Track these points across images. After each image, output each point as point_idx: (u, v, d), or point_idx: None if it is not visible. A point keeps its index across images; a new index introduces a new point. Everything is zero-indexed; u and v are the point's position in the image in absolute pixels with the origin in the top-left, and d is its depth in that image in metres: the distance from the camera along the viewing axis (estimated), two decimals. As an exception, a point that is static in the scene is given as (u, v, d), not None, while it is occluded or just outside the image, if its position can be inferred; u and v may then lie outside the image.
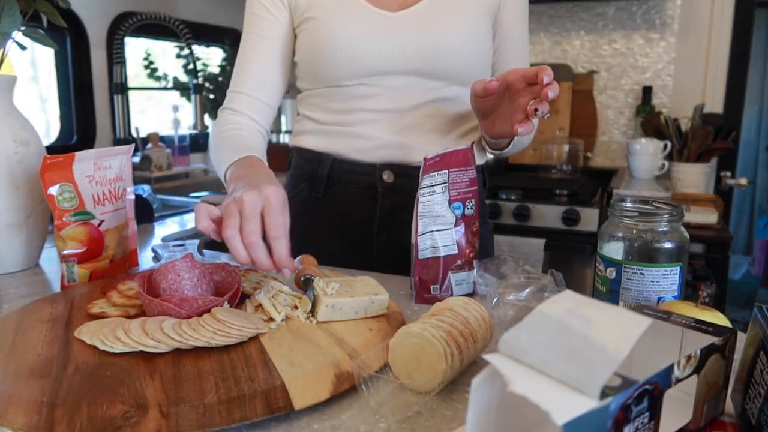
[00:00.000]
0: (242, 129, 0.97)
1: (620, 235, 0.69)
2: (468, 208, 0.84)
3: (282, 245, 0.68)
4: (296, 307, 0.72)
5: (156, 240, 1.35)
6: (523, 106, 0.82)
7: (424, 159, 0.80)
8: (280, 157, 2.56)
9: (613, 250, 0.69)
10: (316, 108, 1.03)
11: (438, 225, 0.82)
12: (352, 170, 1.02)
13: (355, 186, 1.02)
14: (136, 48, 2.26)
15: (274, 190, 0.70)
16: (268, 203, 0.68)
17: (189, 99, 2.37)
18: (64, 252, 0.86)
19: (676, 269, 0.67)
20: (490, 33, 1.01)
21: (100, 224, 0.89)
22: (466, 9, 0.97)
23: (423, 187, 0.80)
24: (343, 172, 1.02)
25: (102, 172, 0.90)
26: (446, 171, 0.81)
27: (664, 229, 0.67)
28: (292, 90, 1.07)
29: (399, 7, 0.97)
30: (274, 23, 0.99)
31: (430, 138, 1.00)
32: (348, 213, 1.03)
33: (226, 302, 0.69)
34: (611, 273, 0.70)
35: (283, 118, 2.85)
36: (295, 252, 0.91)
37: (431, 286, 0.82)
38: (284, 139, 2.65)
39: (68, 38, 1.93)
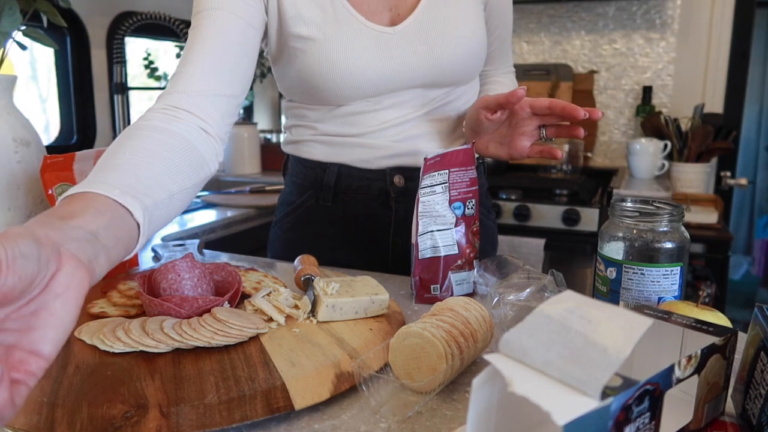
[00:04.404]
0: (148, 139, 0.68)
1: (620, 235, 0.69)
2: (468, 208, 0.84)
3: None
4: (297, 307, 0.72)
5: (156, 240, 1.36)
6: (528, 134, 0.84)
7: (425, 159, 0.79)
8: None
9: (614, 250, 0.69)
10: (310, 120, 0.99)
11: (438, 225, 0.82)
12: (361, 177, 0.98)
13: (365, 193, 0.99)
14: (136, 48, 2.26)
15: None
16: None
17: (189, 99, 2.37)
18: (64, 252, 0.86)
19: (677, 269, 0.67)
20: (484, 22, 0.99)
21: (100, 224, 0.89)
22: (461, 7, 0.94)
23: (423, 187, 0.80)
24: (351, 179, 0.98)
25: (102, 172, 0.90)
26: (446, 171, 0.81)
27: (665, 229, 0.67)
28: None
29: (392, 18, 0.92)
30: (238, 3, 0.82)
31: (438, 140, 0.99)
32: (361, 220, 1.00)
33: (227, 302, 0.69)
34: (611, 273, 0.70)
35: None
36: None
37: (431, 286, 0.82)
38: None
39: (68, 38, 1.93)
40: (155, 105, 0.75)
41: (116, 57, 2.02)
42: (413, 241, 0.82)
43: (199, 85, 0.76)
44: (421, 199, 0.81)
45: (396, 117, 0.95)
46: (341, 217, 1.01)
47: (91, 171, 0.61)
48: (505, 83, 1.08)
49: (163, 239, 1.37)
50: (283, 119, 1.11)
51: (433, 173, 0.80)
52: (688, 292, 2.01)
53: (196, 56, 0.78)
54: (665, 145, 2.31)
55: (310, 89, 0.93)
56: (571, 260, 2.05)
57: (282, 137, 1.22)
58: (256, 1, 0.85)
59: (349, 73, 0.89)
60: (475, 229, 0.85)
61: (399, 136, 0.96)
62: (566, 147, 2.39)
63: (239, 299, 0.74)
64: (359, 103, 0.94)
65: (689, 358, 0.45)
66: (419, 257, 0.82)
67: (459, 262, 0.83)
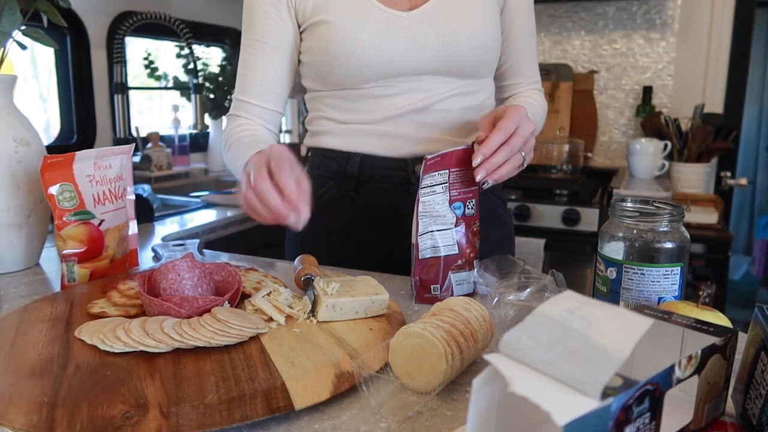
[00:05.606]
0: (254, 130, 0.99)
1: (621, 235, 0.69)
2: (468, 208, 0.84)
3: (289, 181, 0.68)
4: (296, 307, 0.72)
5: (156, 240, 1.36)
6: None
7: (425, 159, 0.79)
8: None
9: (614, 250, 0.69)
10: (331, 108, 1.02)
11: (438, 225, 0.82)
12: (383, 166, 1.00)
13: (388, 182, 1.00)
14: (136, 48, 2.26)
15: (276, 148, 0.72)
16: (271, 157, 0.71)
17: (189, 99, 2.37)
18: (65, 252, 0.86)
19: (677, 269, 0.67)
20: (499, 23, 1.00)
21: (100, 224, 0.89)
22: (475, 2, 0.96)
23: (423, 187, 0.80)
24: (374, 168, 1.00)
25: (102, 172, 0.90)
26: (446, 171, 0.81)
27: (665, 229, 0.67)
28: (292, 90, 1.06)
29: (410, 6, 0.95)
30: (276, 29, 0.98)
31: (457, 129, 0.99)
32: (382, 209, 1.02)
33: (227, 302, 0.69)
34: (612, 273, 0.70)
35: (283, 118, 2.84)
36: (329, 251, 0.91)
37: (432, 286, 0.82)
38: (284, 139, 2.64)
39: (68, 38, 1.93)
40: (236, 122, 1.00)
41: (116, 57, 2.02)
42: (413, 241, 0.82)
43: (259, 113, 1.01)
44: (421, 199, 0.80)
45: (410, 103, 0.97)
46: (364, 206, 1.02)
47: (247, 147, 0.90)
48: (528, 100, 1.05)
49: (163, 239, 1.37)
50: (295, 127, 1.13)
51: (433, 173, 0.80)
52: (688, 292, 2.01)
53: (254, 90, 1.00)
54: (665, 145, 2.31)
55: (326, 70, 0.97)
56: (571, 260, 2.05)
57: (291, 136, 1.24)
58: (290, 21, 0.98)
59: (361, 50, 0.92)
60: (475, 229, 0.85)
61: (418, 123, 0.98)
62: (566, 147, 2.39)
63: (239, 299, 0.74)
64: (374, 87, 0.96)
65: (689, 358, 0.45)
66: (419, 257, 0.82)
67: (459, 262, 0.83)
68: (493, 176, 0.80)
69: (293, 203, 0.68)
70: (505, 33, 1.03)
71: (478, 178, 0.79)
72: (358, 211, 1.02)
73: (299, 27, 0.99)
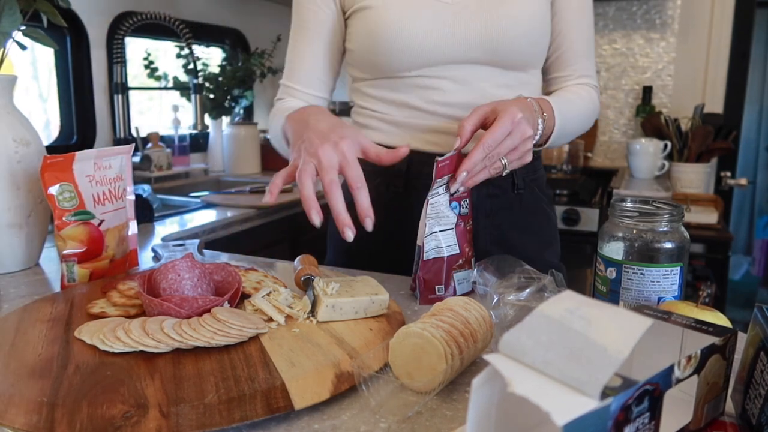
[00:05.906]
0: (299, 105, 1.00)
1: (620, 235, 0.69)
2: (463, 207, 0.84)
3: (364, 195, 0.71)
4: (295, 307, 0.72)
5: (156, 240, 1.36)
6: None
7: (436, 161, 0.78)
8: (281, 157, 2.56)
9: (614, 250, 0.69)
10: (375, 100, 1.01)
11: (441, 225, 0.82)
12: (432, 163, 0.96)
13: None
14: (136, 48, 2.26)
15: (348, 144, 0.73)
16: (345, 158, 0.72)
17: (189, 99, 2.37)
18: (64, 252, 0.86)
19: (677, 269, 0.67)
20: (549, 13, 0.98)
21: (100, 224, 0.89)
22: None
23: (434, 189, 0.80)
24: (422, 164, 0.96)
25: (102, 172, 0.90)
26: (450, 173, 0.81)
27: (665, 229, 0.67)
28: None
29: None
30: (322, 16, 1.00)
31: None
32: None
33: (227, 302, 0.69)
34: (611, 273, 0.70)
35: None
36: (377, 247, 0.91)
37: (436, 287, 0.82)
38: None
39: (68, 38, 1.93)
40: (282, 103, 1.03)
41: (116, 57, 2.02)
42: (419, 243, 0.82)
43: (305, 98, 1.03)
44: (430, 201, 0.80)
45: (458, 97, 0.95)
46: (414, 203, 0.97)
47: (286, 118, 0.91)
48: (567, 94, 1.02)
49: (163, 239, 1.37)
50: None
51: (444, 177, 0.80)
52: (688, 292, 2.01)
53: (299, 76, 1.03)
54: (665, 145, 2.31)
55: (370, 55, 0.97)
56: (571, 260, 2.05)
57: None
58: (335, 7, 0.99)
59: (404, 33, 0.92)
60: (469, 227, 0.85)
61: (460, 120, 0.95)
62: (566, 147, 2.39)
63: (239, 299, 0.74)
64: (417, 77, 0.95)
65: (689, 358, 0.45)
66: (424, 258, 0.81)
67: (460, 261, 0.83)
68: (466, 185, 0.80)
69: (362, 215, 0.70)
70: (553, 22, 1.00)
71: (452, 189, 0.80)
72: (407, 209, 0.99)
73: (344, 14, 1.00)
